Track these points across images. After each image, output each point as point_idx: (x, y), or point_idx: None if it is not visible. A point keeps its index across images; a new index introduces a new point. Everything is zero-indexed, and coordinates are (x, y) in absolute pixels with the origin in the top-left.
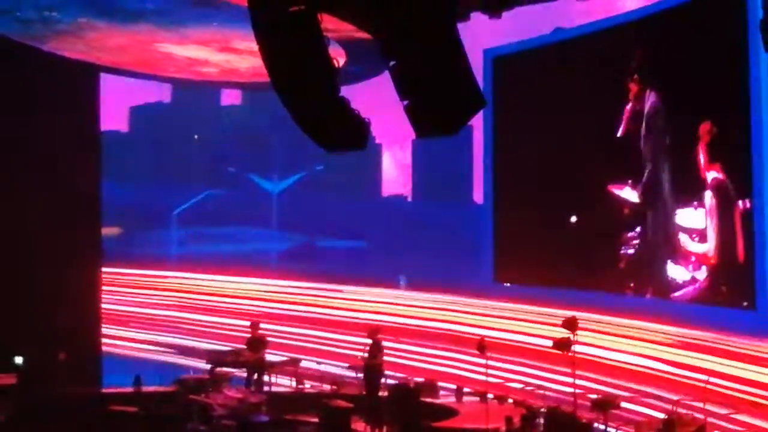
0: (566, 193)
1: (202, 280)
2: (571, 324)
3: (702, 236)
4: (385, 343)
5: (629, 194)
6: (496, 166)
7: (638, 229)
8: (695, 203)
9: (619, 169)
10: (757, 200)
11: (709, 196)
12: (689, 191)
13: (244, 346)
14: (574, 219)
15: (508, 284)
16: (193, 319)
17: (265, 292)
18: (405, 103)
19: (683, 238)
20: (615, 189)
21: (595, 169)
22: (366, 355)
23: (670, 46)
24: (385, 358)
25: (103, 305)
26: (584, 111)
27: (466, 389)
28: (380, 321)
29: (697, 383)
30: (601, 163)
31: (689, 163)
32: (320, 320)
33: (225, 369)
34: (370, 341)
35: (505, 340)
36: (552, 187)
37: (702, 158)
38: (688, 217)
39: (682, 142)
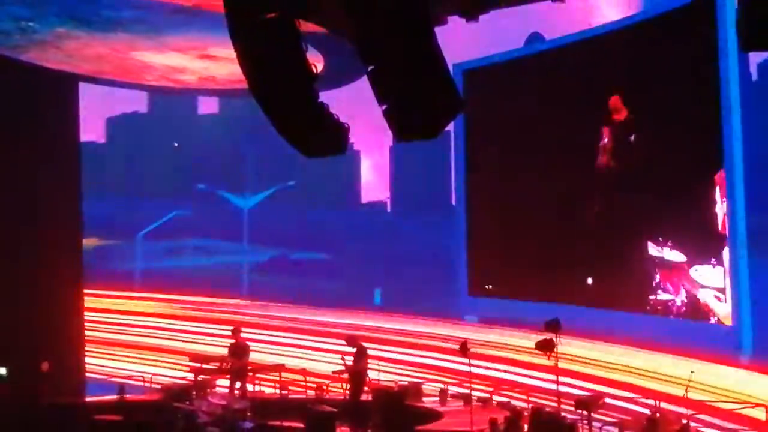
0: (541, 208)
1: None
2: (553, 326)
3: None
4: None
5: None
6: (469, 180)
7: None
8: (713, 260)
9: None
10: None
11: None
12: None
13: (227, 353)
14: (590, 281)
15: (490, 286)
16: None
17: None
18: (383, 107)
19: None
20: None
21: (574, 183)
22: (346, 360)
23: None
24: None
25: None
26: (558, 124)
27: (450, 391)
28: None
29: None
30: (577, 177)
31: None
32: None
33: (209, 376)
34: (352, 349)
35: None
36: (526, 202)
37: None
38: (707, 275)
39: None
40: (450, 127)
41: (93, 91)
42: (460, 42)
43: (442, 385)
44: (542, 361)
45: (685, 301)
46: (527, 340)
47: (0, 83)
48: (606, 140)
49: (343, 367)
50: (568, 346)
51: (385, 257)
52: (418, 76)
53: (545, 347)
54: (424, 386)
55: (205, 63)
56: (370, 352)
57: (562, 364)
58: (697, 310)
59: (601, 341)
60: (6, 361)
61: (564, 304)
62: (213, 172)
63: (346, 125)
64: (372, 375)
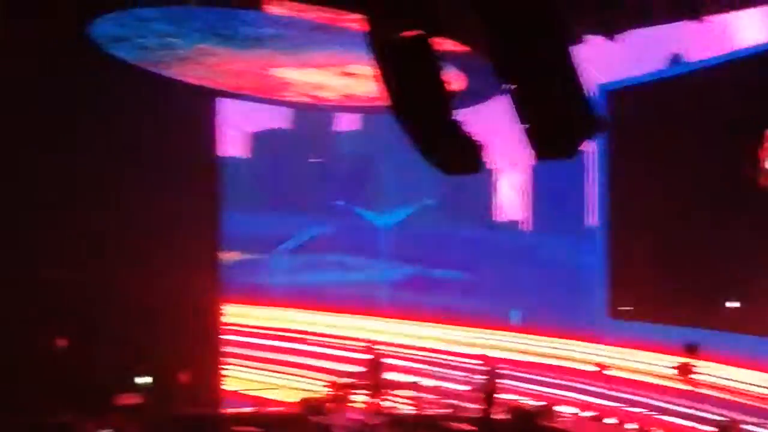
0: (685, 229)
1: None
2: (692, 349)
3: None
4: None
5: None
6: (610, 200)
7: None
8: None
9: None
10: None
11: None
12: None
13: (363, 369)
14: (738, 304)
15: (630, 308)
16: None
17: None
18: (523, 126)
19: None
20: None
21: (721, 205)
22: (477, 378)
23: None
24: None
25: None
26: (704, 146)
27: (583, 414)
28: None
29: None
30: (726, 199)
31: None
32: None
33: (345, 391)
34: (486, 368)
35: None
36: (670, 224)
37: None
38: None
39: None
40: (591, 146)
41: (237, 106)
42: (604, 62)
43: (576, 409)
44: (681, 385)
45: None
46: (666, 363)
47: (142, 98)
48: (759, 161)
49: (476, 386)
50: (708, 370)
51: (523, 276)
52: (558, 95)
53: (684, 371)
54: (557, 407)
55: (345, 80)
56: (505, 371)
57: (701, 389)
58: None
59: (743, 367)
60: (147, 371)
61: (708, 328)
62: (352, 189)
63: (481, 144)
64: (507, 395)
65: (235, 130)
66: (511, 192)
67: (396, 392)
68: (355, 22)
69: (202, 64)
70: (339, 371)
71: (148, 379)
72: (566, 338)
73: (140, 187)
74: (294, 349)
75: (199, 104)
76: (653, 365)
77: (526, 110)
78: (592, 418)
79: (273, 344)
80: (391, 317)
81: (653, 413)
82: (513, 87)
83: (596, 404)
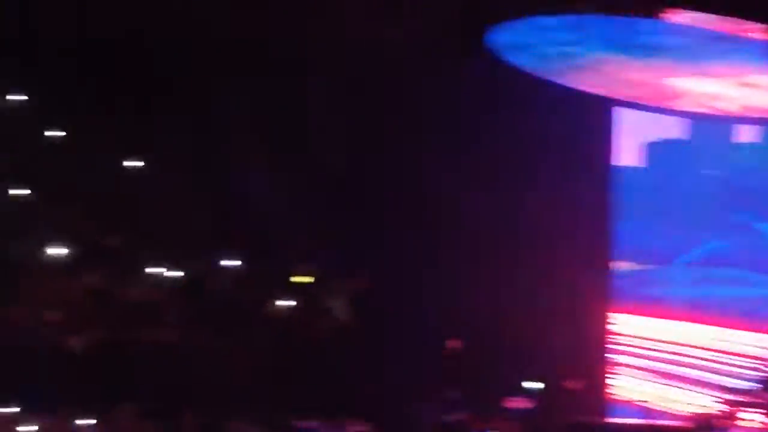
0: None
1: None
2: None
3: None
4: None
5: None
6: None
7: None
8: None
9: None
10: None
11: None
12: None
13: (758, 386)
14: None
15: None
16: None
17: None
18: None
19: None
20: None
21: None
22: None
23: None
24: None
25: None
26: None
27: None
28: None
29: None
30: None
31: None
32: None
33: (738, 408)
34: None
35: None
36: None
37: None
38: None
39: None
40: None
41: (632, 116)
42: None
43: None
44: None
45: None
46: None
47: (536, 106)
48: None
49: None
50: None
51: None
52: None
53: None
54: None
55: (744, 90)
56: None
57: None
58: None
59: None
60: (537, 376)
61: None
62: (754, 203)
63: None
64: None
65: (631, 139)
66: None
67: None
68: (756, 31)
69: (598, 72)
70: (731, 388)
71: (538, 385)
72: None
73: (534, 193)
74: (686, 363)
75: (595, 113)
76: None
77: None
78: None
79: (664, 356)
80: None
81: None
82: None
83: None
